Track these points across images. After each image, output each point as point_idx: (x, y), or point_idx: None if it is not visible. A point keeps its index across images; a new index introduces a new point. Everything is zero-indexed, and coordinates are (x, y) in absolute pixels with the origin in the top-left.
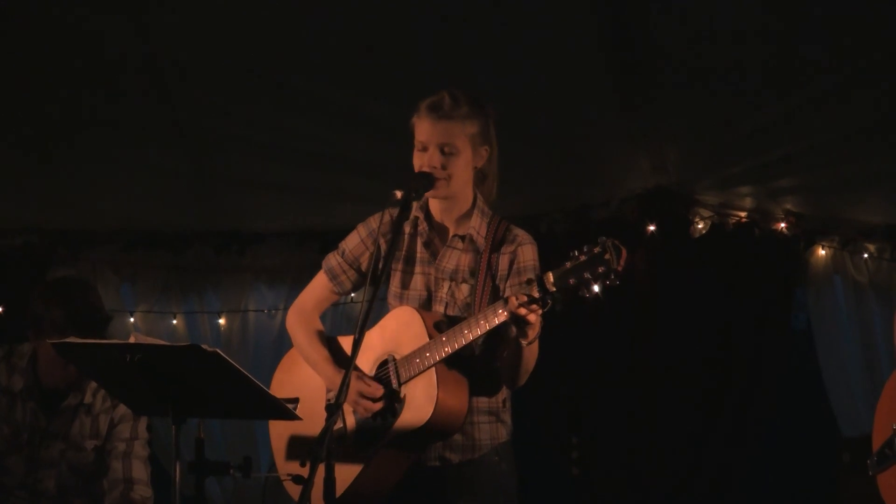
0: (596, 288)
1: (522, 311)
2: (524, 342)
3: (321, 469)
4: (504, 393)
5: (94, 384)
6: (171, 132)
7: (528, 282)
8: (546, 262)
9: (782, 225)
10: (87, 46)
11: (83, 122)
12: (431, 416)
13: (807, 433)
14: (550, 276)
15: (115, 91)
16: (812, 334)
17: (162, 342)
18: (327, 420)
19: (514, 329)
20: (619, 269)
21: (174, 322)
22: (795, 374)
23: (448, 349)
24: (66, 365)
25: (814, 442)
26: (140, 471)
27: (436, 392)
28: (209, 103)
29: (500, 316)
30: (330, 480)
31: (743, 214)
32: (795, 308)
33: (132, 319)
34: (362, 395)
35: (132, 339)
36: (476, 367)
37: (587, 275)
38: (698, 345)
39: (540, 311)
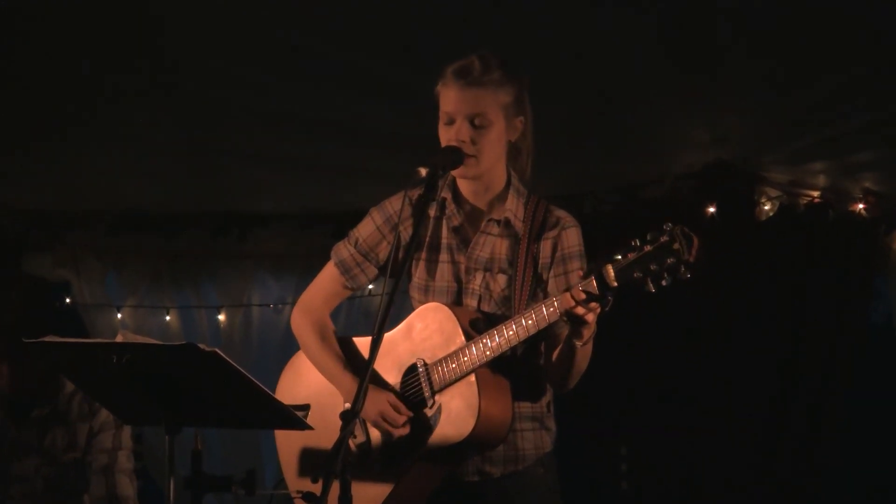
0: (664, 282)
1: (580, 310)
2: (578, 343)
3: (335, 486)
4: (548, 396)
5: (67, 389)
6: (163, 99)
7: (586, 275)
8: (591, 248)
9: (860, 206)
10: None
11: (61, 88)
12: (473, 429)
13: (887, 440)
14: (611, 270)
15: (98, 52)
16: (893, 329)
17: (153, 341)
18: (342, 430)
19: (566, 328)
20: (691, 259)
21: (167, 318)
22: (875, 374)
23: (490, 352)
24: (10, 368)
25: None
26: (126, 486)
27: (477, 401)
28: (207, 66)
29: (552, 314)
30: (346, 499)
31: (815, 194)
32: (874, 299)
33: (119, 315)
34: (384, 419)
35: (119, 338)
36: (518, 368)
37: (654, 267)
38: (764, 343)
39: (599, 310)
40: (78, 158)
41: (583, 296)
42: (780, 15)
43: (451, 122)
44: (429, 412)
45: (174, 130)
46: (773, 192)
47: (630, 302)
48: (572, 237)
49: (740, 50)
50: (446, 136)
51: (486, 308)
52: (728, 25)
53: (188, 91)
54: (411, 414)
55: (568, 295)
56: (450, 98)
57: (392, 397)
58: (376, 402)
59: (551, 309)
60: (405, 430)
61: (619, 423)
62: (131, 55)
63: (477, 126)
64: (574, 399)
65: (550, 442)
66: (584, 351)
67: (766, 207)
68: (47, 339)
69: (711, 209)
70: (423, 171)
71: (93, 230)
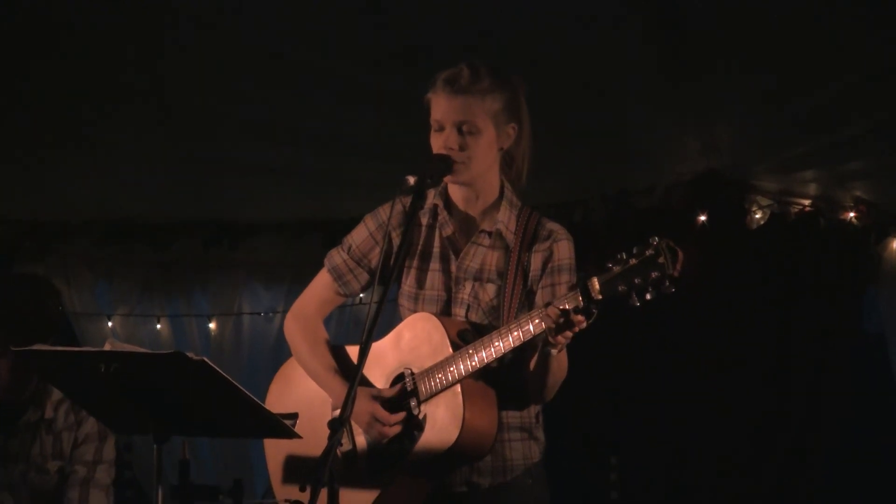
0: (648, 296)
1: (564, 321)
2: (554, 351)
3: (323, 495)
4: (536, 406)
5: (55, 397)
6: (153, 108)
7: (571, 288)
8: (581, 257)
9: (851, 214)
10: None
11: (51, 97)
12: (458, 439)
13: (879, 454)
14: (596, 283)
15: (88, 62)
16: (885, 340)
17: (142, 350)
18: (330, 438)
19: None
20: (675, 274)
21: (158, 326)
22: (866, 386)
23: (475, 363)
24: (8, 373)
25: (887, 464)
26: (99, 501)
27: (462, 412)
28: (196, 75)
29: (537, 326)
30: None
31: (806, 203)
32: (866, 310)
33: (110, 324)
34: (376, 419)
35: (108, 346)
36: (506, 378)
37: (638, 281)
38: (755, 351)
39: (584, 323)
40: (69, 168)
41: (568, 308)
42: (771, 25)
43: (440, 129)
44: (415, 423)
45: (166, 140)
46: (764, 201)
47: (619, 311)
48: (564, 250)
49: (731, 59)
50: (436, 144)
51: (474, 318)
52: (719, 35)
53: (179, 101)
54: (404, 413)
55: (554, 307)
56: (439, 106)
57: (380, 396)
58: (367, 404)
59: (537, 321)
60: (397, 429)
61: (608, 432)
62: (123, 65)
63: (465, 133)
64: (563, 408)
65: (539, 452)
66: (559, 359)
67: (757, 216)
68: (36, 346)
69: (702, 218)
70: (412, 180)
71: (83, 240)
